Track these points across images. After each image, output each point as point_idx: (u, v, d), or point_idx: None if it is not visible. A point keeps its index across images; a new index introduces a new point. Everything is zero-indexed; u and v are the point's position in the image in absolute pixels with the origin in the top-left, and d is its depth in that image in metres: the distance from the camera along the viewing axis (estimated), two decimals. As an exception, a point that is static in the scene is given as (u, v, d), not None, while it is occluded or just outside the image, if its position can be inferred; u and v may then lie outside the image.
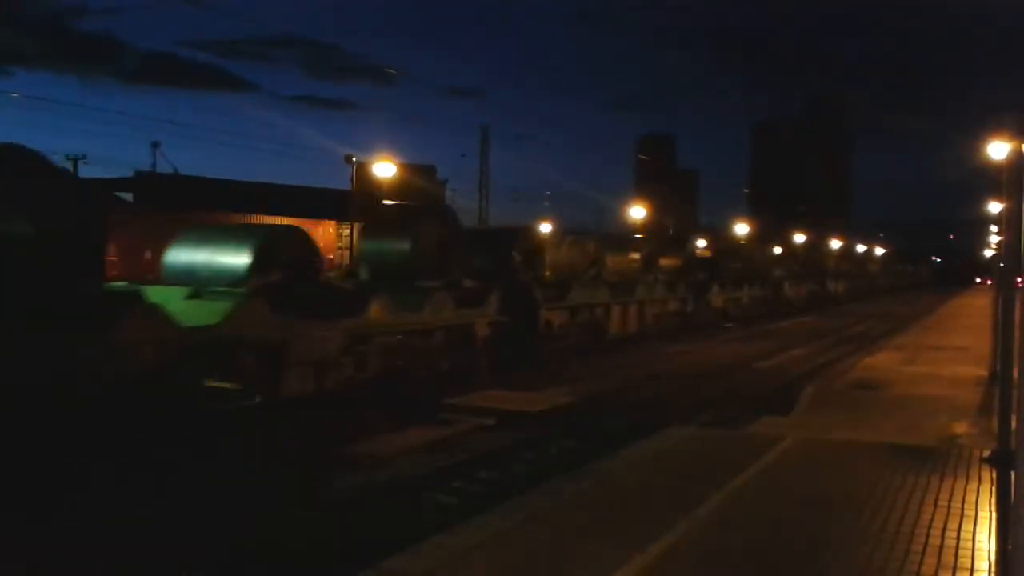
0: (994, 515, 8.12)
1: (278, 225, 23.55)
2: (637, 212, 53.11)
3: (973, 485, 9.17)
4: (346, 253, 32.60)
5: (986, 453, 10.41)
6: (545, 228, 32.31)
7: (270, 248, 16.21)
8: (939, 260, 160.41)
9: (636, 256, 32.17)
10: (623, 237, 38.20)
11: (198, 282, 15.37)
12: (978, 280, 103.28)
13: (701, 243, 44.99)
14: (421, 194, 60.58)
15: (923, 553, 6.96)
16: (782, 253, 52.67)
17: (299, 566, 8.25)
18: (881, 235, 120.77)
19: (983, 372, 18.02)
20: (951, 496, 8.71)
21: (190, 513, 9.57)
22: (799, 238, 64.76)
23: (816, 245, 68.37)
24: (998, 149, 17.38)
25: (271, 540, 8.73)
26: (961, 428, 12.74)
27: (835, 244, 76.19)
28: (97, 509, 9.64)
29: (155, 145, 52.73)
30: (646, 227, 53.13)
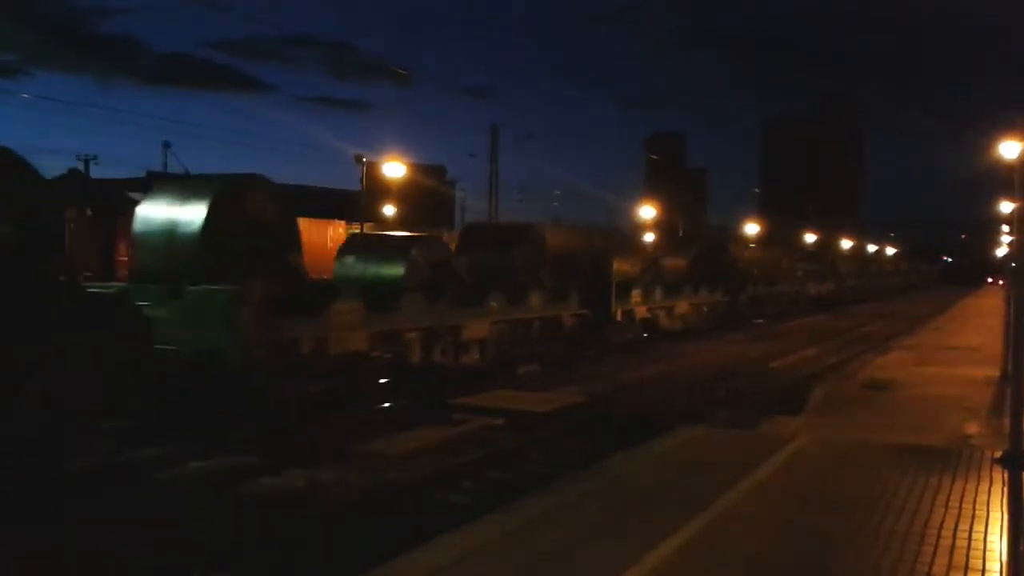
0: (1005, 516, 8.09)
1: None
2: (646, 211, 53.11)
3: (984, 486, 9.13)
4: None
5: (997, 454, 10.36)
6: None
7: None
8: (951, 260, 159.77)
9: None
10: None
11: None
12: (990, 280, 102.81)
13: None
14: (431, 194, 60.70)
15: (934, 554, 6.94)
16: (798, 253, 53.96)
17: (309, 563, 8.28)
18: (892, 235, 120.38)
19: (995, 372, 17.95)
20: (962, 497, 8.68)
21: (202, 510, 9.61)
22: (810, 238, 64.60)
23: (827, 244, 68.21)
24: (1010, 149, 17.34)
25: (281, 537, 8.76)
26: (972, 428, 12.69)
27: (846, 244, 75.97)
28: (115, 503, 9.70)
29: (166, 145, 52.96)
30: (656, 226, 53.15)
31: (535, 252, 24.91)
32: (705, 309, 34.97)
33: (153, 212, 15.91)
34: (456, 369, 19.66)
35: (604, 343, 25.80)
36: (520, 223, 29.83)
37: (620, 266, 28.73)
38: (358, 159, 38.94)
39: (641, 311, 29.30)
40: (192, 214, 15.38)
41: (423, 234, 25.72)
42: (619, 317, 27.50)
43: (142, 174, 50.27)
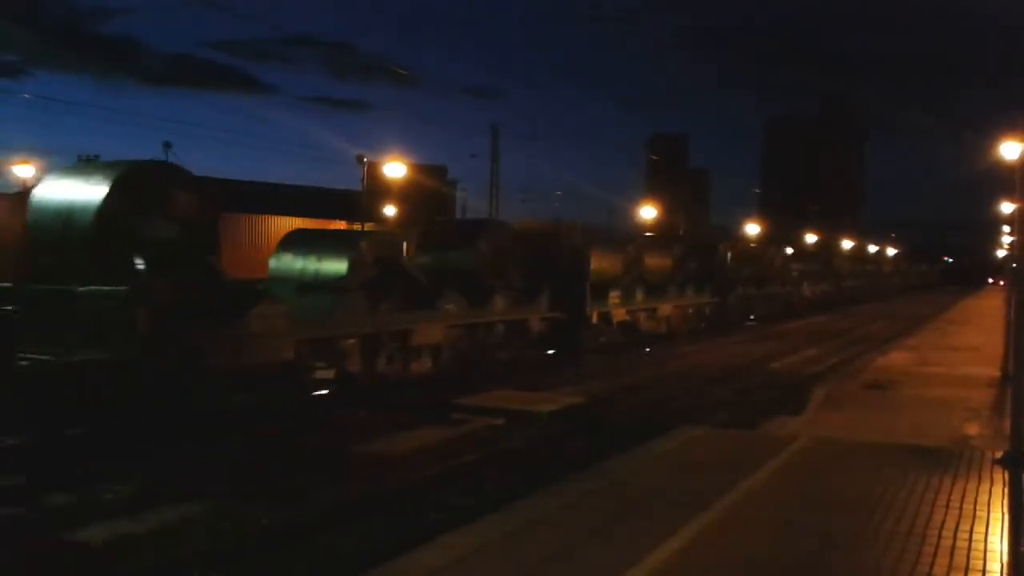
0: (1006, 516, 8.09)
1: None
2: (648, 212, 53.09)
3: (985, 486, 9.12)
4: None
5: (998, 454, 10.36)
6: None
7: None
8: (951, 260, 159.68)
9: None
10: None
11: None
12: (990, 280, 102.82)
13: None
14: (432, 194, 60.67)
15: (935, 554, 6.93)
16: (795, 253, 52.66)
17: (311, 563, 8.28)
18: (893, 235, 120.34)
19: (995, 372, 17.96)
20: (963, 497, 8.68)
21: (202, 510, 9.60)
22: (811, 238, 64.55)
23: (828, 245, 68.15)
24: (1010, 149, 17.33)
25: (281, 538, 8.75)
26: (973, 429, 12.70)
27: (847, 244, 75.93)
28: (116, 503, 9.70)
29: (167, 146, 52.94)
30: (656, 226, 53.09)
31: (502, 250, 22.72)
32: (691, 311, 33.16)
33: (48, 198, 14.18)
34: (404, 379, 17.84)
35: (576, 348, 24.14)
36: (486, 219, 28.04)
37: (600, 264, 26.99)
38: (359, 159, 38.90)
39: (619, 313, 27.36)
40: (88, 202, 13.63)
41: (379, 230, 23.98)
42: (595, 320, 25.68)
43: (143, 174, 50.24)
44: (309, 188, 57.00)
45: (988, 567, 6.72)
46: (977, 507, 8.35)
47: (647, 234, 44.45)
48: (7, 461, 11.02)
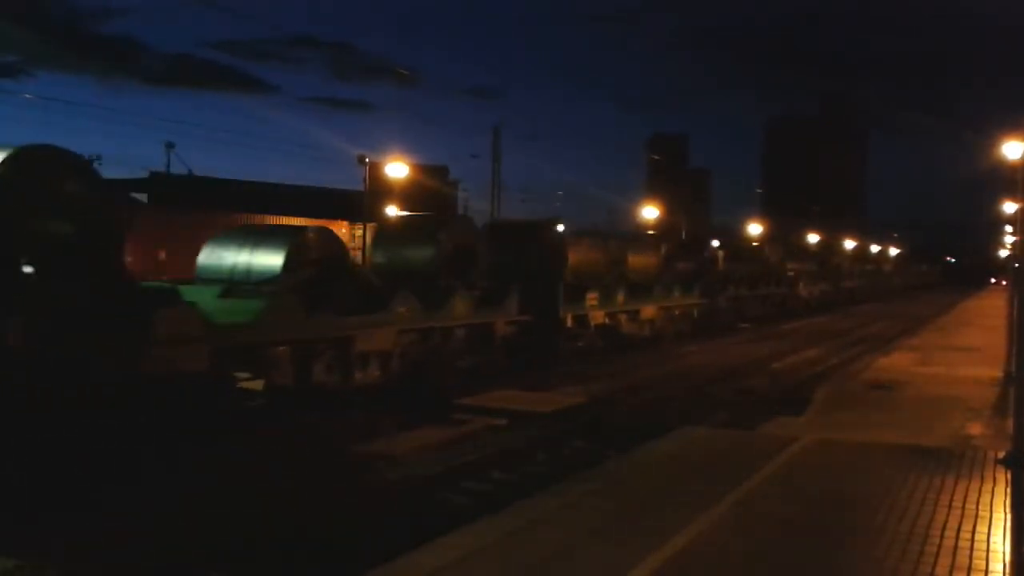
0: (1008, 516, 8.06)
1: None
2: (649, 212, 53.10)
3: (987, 486, 9.11)
4: (358, 254, 32.72)
5: (1000, 454, 10.34)
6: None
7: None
8: (953, 260, 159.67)
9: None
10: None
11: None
12: (992, 280, 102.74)
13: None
14: (434, 195, 60.66)
15: (937, 554, 6.91)
16: (792, 252, 51.48)
17: (311, 563, 8.27)
18: (895, 235, 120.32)
19: (998, 373, 17.92)
20: (965, 497, 8.66)
21: (202, 511, 9.60)
22: (812, 238, 64.48)
23: (829, 245, 68.08)
24: (1012, 149, 17.33)
25: (283, 538, 8.74)
26: (975, 429, 12.67)
27: (849, 244, 75.92)
28: (116, 503, 9.69)
29: (169, 146, 53.02)
30: (657, 226, 53.08)
31: (466, 248, 20.72)
32: (677, 313, 30.86)
33: None
34: (345, 390, 15.87)
35: (547, 355, 22.25)
36: (451, 215, 25.71)
37: (578, 262, 24.98)
38: (361, 159, 38.94)
39: (598, 316, 25.03)
40: None
41: (315, 225, 20.92)
42: (569, 323, 23.53)
43: (145, 175, 50.40)
44: (310, 188, 57.07)
45: (991, 567, 6.70)
46: (979, 507, 8.33)
47: (649, 232, 43.66)
48: None
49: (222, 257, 15.88)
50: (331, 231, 18.41)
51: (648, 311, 28.16)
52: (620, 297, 26.30)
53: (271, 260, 15.56)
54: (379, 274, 19.03)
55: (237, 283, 15.26)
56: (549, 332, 22.56)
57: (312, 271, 15.99)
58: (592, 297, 24.66)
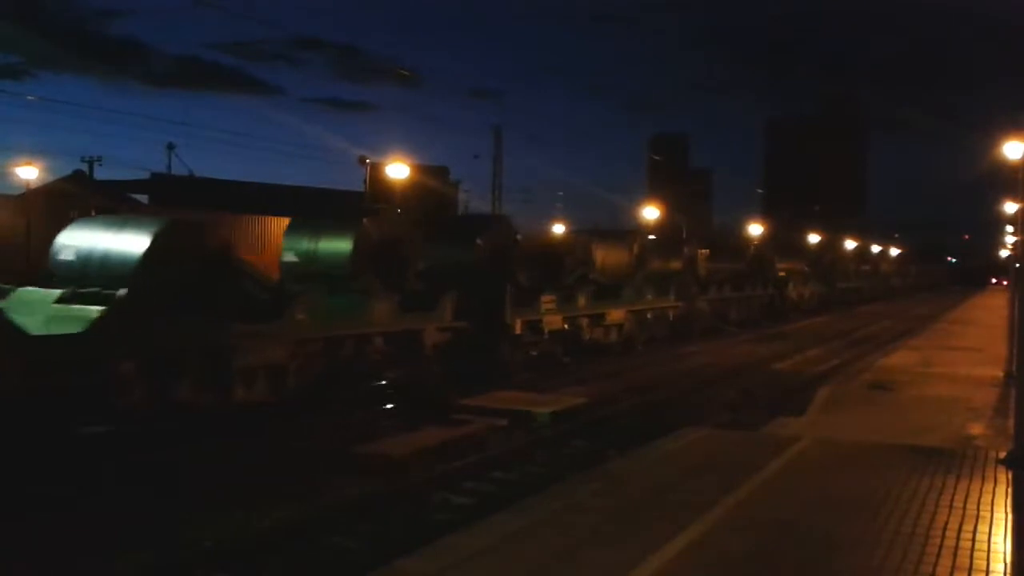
0: (1010, 516, 8.06)
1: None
2: (651, 212, 53.02)
3: (989, 486, 9.10)
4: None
5: (1002, 454, 10.34)
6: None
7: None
8: (955, 260, 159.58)
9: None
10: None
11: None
12: (994, 280, 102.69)
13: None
14: (433, 194, 60.57)
15: (938, 555, 6.91)
16: (783, 251, 49.76)
17: (312, 564, 8.28)
18: (896, 235, 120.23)
19: (999, 373, 17.92)
20: (966, 497, 8.66)
21: (201, 515, 9.60)
22: (813, 238, 64.32)
23: (830, 245, 67.89)
24: (1014, 149, 17.32)
25: (283, 541, 8.75)
26: (976, 429, 12.66)
27: (850, 244, 75.77)
28: (100, 508, 9.70)
29: (170, 147, 53.01)
30: (658, 227, 52.97)
31: (394, 244, 18.17)
32: (650, 316, 28.00)
33: None
34: (222, 410, 13.55)
35: (490, 365, 19.69)
36: (377, 207, 22.94)
37: (535, 261, 22.79)
38: (361, 160, 38.93)
39: (555, 321, 22.02)
40: None
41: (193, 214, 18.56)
42: (519, 329, 20.63)
43: (146, 176, 50.41)
44: (311, 189, 57.01)
45: (992, 567, 6.70)
46: (981, 507, 8.32)
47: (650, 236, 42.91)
48: None
49: (79, 243, 13.56)
50: (221, 223, 15.92)
51: (615, 315, 25.45)
52: (581, 300, 23.77)
53: (130, 251, 13.10)
54: (290, 275, 16.98)
55: (89, 279, 12.99)
56: (494, 340, 20.07)
57: (184, 268, 13.57)
58: (548, 300, 21.95)
